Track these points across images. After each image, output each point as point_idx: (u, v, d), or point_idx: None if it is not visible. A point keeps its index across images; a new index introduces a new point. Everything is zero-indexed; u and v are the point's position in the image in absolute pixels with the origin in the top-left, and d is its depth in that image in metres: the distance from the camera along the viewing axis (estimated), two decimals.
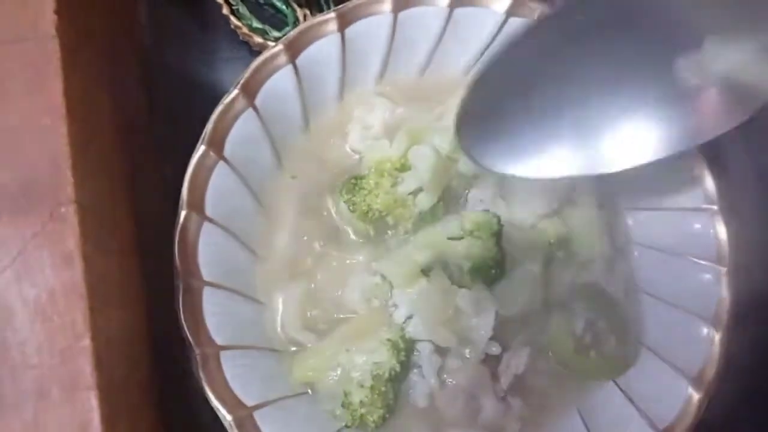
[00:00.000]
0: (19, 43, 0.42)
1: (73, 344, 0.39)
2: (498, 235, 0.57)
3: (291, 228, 0.60)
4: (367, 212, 0.59)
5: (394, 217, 0.59)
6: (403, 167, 0.59)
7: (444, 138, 0.59)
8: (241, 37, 0.71)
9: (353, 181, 0.60)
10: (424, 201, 0.58)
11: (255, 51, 0.70)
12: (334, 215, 0.62)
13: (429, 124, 0.61)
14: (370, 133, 0.62)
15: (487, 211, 0.58)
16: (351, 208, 0.59)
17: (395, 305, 0.57)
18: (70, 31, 0.44)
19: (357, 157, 0.63)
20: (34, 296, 0.40)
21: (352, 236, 0.61)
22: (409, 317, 0.56)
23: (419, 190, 0.58)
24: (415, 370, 0.57)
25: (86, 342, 0.39)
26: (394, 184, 0.59)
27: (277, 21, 0.71)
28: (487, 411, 0.56)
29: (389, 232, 0.61)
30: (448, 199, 0.60)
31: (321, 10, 0.70)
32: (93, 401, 0.39)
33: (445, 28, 0.63)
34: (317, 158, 0.63)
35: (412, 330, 0.56)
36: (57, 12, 0.43)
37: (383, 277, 0.57)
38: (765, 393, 0.63)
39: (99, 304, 0.41)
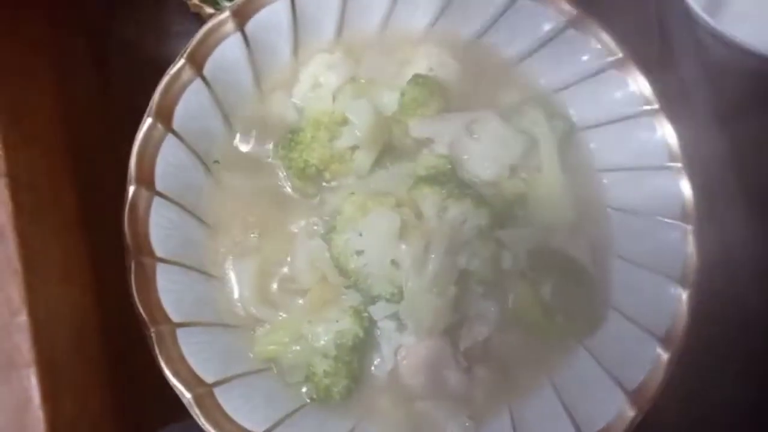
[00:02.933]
0: None
1: (8, 321, 0.38)
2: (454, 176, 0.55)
3: (239, 195, 0.58)
4: (304, 168, 0.57)
5: (331, 173, 0.58)
6: (344, 121, 0.58)
7: (393, 96, 0.58)
8: (191, 9, 0.68)
9: (289, 135, 0.58)
10: (361, 158, 0.57)
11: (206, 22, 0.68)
12: (274, 174, 0.60)
13: (382, 81, 0.60)
14: (321, 90, 0.60)
15: (439, 156, 0.57)
16: (287, 163, 0.58)
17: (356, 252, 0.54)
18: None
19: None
20: None
21: (292, 195, 0.59)
22: (360, 252, 0.53)
23: (356, 146, 0.57)
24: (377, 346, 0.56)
25: (22, 318, 0.38)
26: (331, 139, 0.57)
27: None
28: (451, 382, 0.55)
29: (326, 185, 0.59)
30: (397, 160, 0.59)
31: None
32: (32, 379, 0.37)
33: None
34: (263, 117, 0.61)
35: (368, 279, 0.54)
36: None
37: (325, 235, 0.55)
38: (734, 349, 0.62)
39: (37, 280, 0.40)
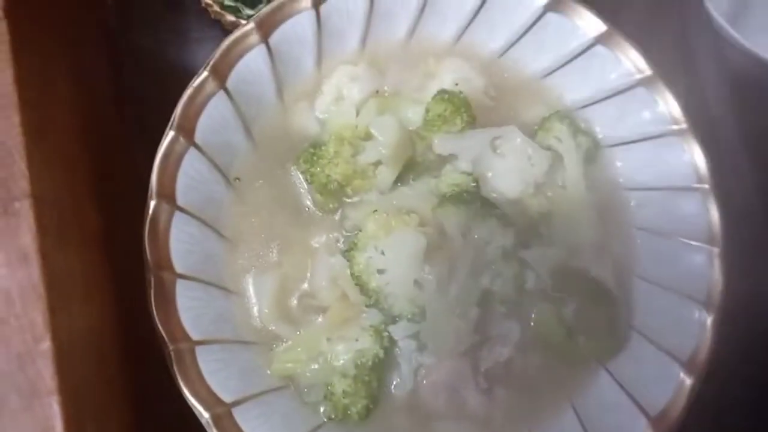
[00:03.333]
0: None
1: (31, 348, 0.37)
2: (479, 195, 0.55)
3: (259, 210, 0.58)
4: (326, 183, 0.57)
5: (353, 188, 0.57)
6: (368, 136, 0.57)
7: (417, 110, 0.57)
8: (212, 16, 0.67)
9: (311, 150, 0.57)
10: (384, 174, 0.56)
11: (227, 30, 0.67)
12: (296, 189, 0.59)
13: (406, 95, 0.59)
14: (344, 103, 0.59)
15: (463, 173, 0.57)
16: (309, 178, 0.57)
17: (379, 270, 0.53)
18: (22, 13, 0.41)
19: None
20: None
21: (313, 209, 0.59)
22: (382, 271, 0.52)
23: (380, 162, 0.56)
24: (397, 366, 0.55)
25: (46, 345, 0.37)
26: (354, 154, 0.56)
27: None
28: (471, 403, 0.54)
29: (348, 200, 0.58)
30: (420, 175, 0.58)
31: None
32: (55, 407, 0.37)
33: (425, 3, 0.61)
34: (285, 130, 0.60)
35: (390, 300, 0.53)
36: None
37: (346, 252, 0.54)
38: (758, 376, 0.61)
39: (60, 303, 0.39)
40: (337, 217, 0.59)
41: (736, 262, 0.57)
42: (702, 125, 0.63)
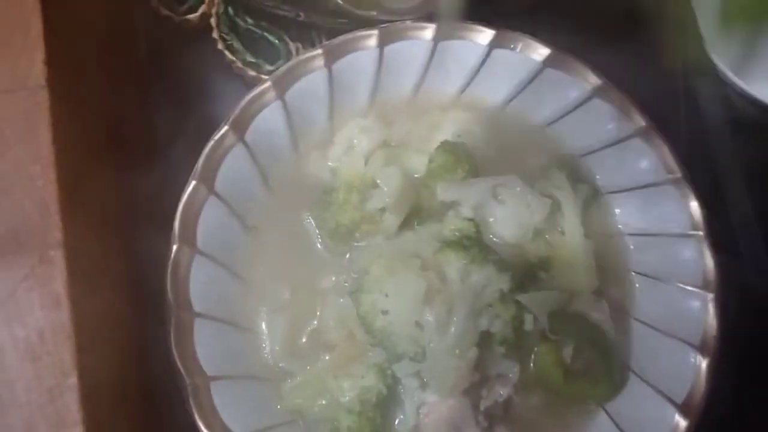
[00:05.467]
0: (10, 93, 0.44)
1: (60, 382, 0.41)
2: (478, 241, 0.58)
3: (274, 253, 0.62)
4: (336, 228, 0.60)
5: (361, 233, 0.61)
6: (375, 184, 0.61)
7: (422, 160, 0.61)
8: (235, 71, 0.73)
9: (323, 196, 0.61)
10: (390, 220, 0.60)
11: (249, 83, 0.72)
12: (308, 233, 0.63)
13: (412, 145, 0.63)
14: (354, 153, 0.63)
15: (465, 219, 0.60)
16: (320, 223, 0.61)
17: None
18: (62, 81, 0.46)
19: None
20: (24, 336, 0.42)
21: (324, 253, 0.62)
22: (385, 312, 0.55)
23: (385, 209, 0.60)
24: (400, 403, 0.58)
25: (73, 380, 0.41)
26: (362, 201, 0.60)
27: (271, 54, 0.73)
28: None
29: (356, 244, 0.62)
30: (424, 221, 0.61)
31: (312, 44, 0.72)
32: None
33: (430, 60, 0.65)
34: (300, 178, 0.64)
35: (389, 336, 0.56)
36: (47, 62, 0.45)
37: (353, 294, 0.57)
38: (751, 419, 0.63)
39: (87, 343, 0.43)
40: (345, 260, 0.62)
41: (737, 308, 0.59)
42: (704, 174, 0.66)
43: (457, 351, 0.56)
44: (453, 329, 0.56)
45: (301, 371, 0.59)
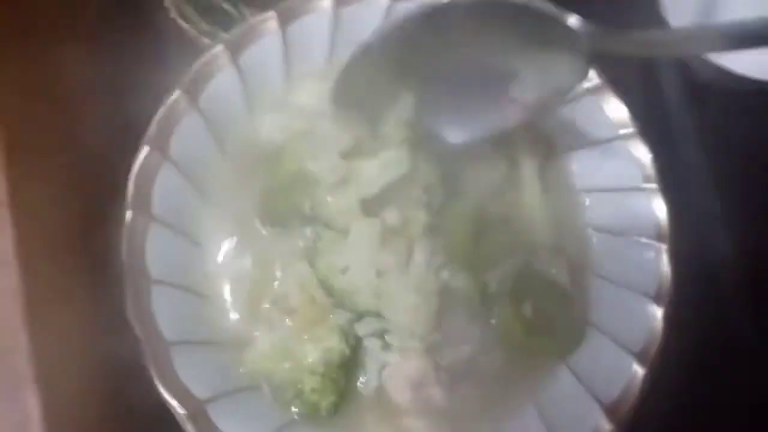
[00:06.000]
0: None
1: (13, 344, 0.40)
2: None
3: (231, 217, 0.61)
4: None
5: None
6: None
7: None
8: (189, 40, 0.71)
9: (272, 155, 0.61)
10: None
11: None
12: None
13: None
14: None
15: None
16: (269, 178, 0.60)
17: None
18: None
19: None
20: None
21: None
22: (344, 270, 0.56)
23: None
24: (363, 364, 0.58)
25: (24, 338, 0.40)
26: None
27: (226, 22, 0.72)
28: (436, 399, 0.57)
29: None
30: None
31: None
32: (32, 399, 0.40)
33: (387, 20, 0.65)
34: (254, 141, 0.63)
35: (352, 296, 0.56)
36: None
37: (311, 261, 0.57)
38: (707, 366, 0.64)
39: (37, 303, 0.42)
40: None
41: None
42: (659, 128, 0.67)
43: (417, 289, 0.56)
44: (412, 268, 0.56)
45: (263, 336, 0.59)
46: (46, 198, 0.49)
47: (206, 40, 0.70)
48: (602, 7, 0.77)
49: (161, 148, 0.58)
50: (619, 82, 0.65)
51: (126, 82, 0.64)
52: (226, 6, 0.72)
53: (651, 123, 0.65)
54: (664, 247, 0.60)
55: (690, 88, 0.79)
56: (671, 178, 0.63)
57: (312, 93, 0.64)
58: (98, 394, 0.52)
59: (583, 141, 0.65)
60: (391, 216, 0.57)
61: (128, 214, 0.55)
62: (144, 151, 0.57)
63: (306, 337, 0.58)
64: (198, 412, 0.53)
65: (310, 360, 0.57)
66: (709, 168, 0.74)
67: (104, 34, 0.67)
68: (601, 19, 0.76)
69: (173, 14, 0.70)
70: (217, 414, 0.54)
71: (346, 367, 0.57)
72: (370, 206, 0.57)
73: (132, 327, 0.53)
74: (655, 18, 0.79)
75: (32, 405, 0.40)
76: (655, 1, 0.77)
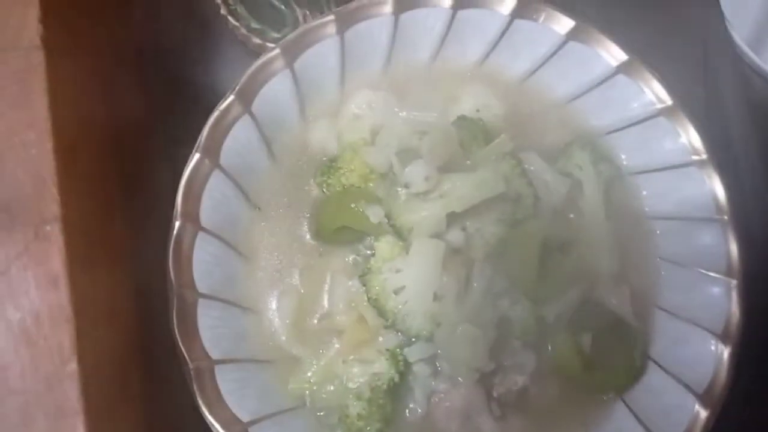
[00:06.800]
0: (2, 54, 0.41)
1: (59, 369, 0.38)
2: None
3: (280, 230, 0.59)
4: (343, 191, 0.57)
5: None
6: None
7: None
8: (239, 38, 0.69)
9: (328, 162, 0.59)
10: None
11: (253, 52, 0.68)
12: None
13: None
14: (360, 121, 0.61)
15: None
16: (325, 189, 0.58)
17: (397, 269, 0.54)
18: (57, 41, 0.43)
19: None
20: (18, 319, 0.38)
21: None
22: (399, 290, 0.53)
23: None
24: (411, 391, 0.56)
25: (72, 366, 0.38)
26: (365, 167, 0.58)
27: (277, 21, 0.69)
28: (485, 430, 0.55)
29: None
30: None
31: (321, 11, 0.68)
32: (79, 428, 0.38)
33: (448, 29, 0.61)
34: (305, 148, 0.61)
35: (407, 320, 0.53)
36: (42, 21, 0.41)
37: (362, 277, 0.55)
38: None
39: (87, 326, 0.40)
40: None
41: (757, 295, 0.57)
42: (723, 154, 0.63)
43: (474, 320, 0.53)
44: (471, 299, 0.53)
45: (309, 356, 0.56)
46: (95, 210, 0.46)
47: (256, 39, 0.67)
48: (669, 17, 0.75)
49: (212, 155, 0.55)
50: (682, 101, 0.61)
51: (174, 85, 0.61)
52: (278, 4, 0.69)
53: (714, 144, 0.62)
54: (734, 282, 0.57)
55: (753, 107, 0.75)
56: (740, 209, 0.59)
57: (362, 104, 0.61)
58: (143, 420, 0.49)
59: (651, 164, 0.62)
60: (456, 237, 0.54)
61: (176, 224, 0.53)
62: (194, 158, 0.54)
63: (353, 358, 0.55)
64: None
65: (356, 384, 0.54)
66: None
67: (151, 34, 0.64)
68: (670, 33, 0.74)
69: (223, 11, 0.67)
70: None
71: (394, 392, 0.55)
72: (455, 220, 0.54)
73: (178, 345, 0.50)
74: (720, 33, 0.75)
75: None
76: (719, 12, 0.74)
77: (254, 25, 0.68)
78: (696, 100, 0.72)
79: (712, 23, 0.77)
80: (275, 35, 0.68)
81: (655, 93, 0.60)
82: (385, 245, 0.55)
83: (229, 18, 0.67)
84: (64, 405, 0.38)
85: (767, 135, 0.74)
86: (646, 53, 0.62)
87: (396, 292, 0.54)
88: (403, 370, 0.55)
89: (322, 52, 0.59)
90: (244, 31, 0.67)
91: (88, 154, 0.46)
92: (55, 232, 0.40)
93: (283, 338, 0.57)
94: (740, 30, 0.76)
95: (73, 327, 0.39)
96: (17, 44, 0.40)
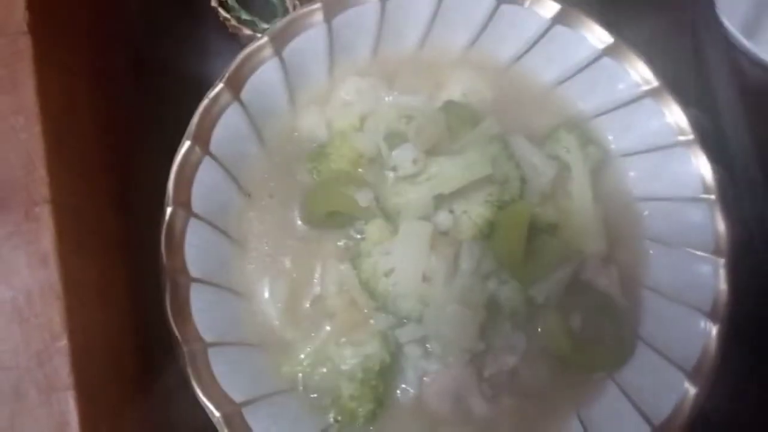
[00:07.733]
0: None
1: (49, 345, 0.39)
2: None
3: (271, 215, 0.59)
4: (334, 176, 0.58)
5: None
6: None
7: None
8: (230, 30, 0.70)
9: (317, 148, 0.60)
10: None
11: (244, 43, 0.69)
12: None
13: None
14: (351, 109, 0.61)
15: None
16: (315, 175, 0.59)
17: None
18: (45, 27, 0.43)
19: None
20: (10, 297, 0.39)
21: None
22: (389, 273, 0.54)
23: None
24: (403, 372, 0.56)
25: (63, 342, 0.39)
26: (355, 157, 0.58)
27: (267, 11, 0.70)
28: (476, 410, 0.55)
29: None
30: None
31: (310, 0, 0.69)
32: (71, 402, 0.39)
33: (435, 14, 0.62)
34: (296, 135, 0.62)
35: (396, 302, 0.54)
36: (29, 8, 0.42)
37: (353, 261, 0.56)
38: (763, 387, 0.61)
39: (77, 304, 0.41)
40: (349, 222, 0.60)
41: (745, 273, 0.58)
42: (714, 135, 0.64)
43: (463, 300, 0.54)
44: (459, 280, 0.54)
45: (301, 339, 0.57)
46: (86, 192, 0.47)
47: (246, 31, 0.68)
48: (658, 3, 0.76)
49: (202, 142, 0.56)
50: (670, 84, 0.62)
51: (164, 72, 0.62)
52: None
53: (704, 127, 0.62)
54: (722, 261, 0.57)
55: (743, 91, 0.76)
56: (729, 188, 0.60)
57: (351, 91, 0.62)
58: (135, 398, 0.50)
59: (638, 146, 0.62)
60: (443, 219, 0.54)
61: (168, 210, 0.54)
62: (185, 145, 0.55)
63: (345, 341, 0.56)
64: (234, 415, 0.52)
65: (348, 366, 0.55)
66: (765, 178, 0.70)
67: (143, 26, 0.65)
68: (659, 16, 0.74)
69: (214, 3, 0.68)
70: (252, 418, 0.53)
71: (386, 373, 0.56)
72: (442, 202, 0.55)
73: (171, 327, 0.51)
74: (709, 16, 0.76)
75: (70, 411, 0.38)
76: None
77: (244, 16, 0.69)
78: (686, 85, 0.72)
79: (702, 8, 0.78)
80: (266, 26, 0.69)
81: (640, 74, 0.61)
82: (374, 228, 0.56)
83: (220, 10, 0.68)
84: (55, 380, 0.38)
85: (757, 117, 0.74)
86: (635, 41, 0.62)
87: (386, 274, 0.54)
88: (395, 351, 0.56)
89: (310, 40, 0.60)
90: (234, 22, 0.68)
91: (78, 139, 0.47)
92: (44, 213, 0.41)
93: (276, 322, 0.57)
94: (730, 15, 0.77)
95: (63, 304, 0.39)
96: (4, 30, 0.41)
